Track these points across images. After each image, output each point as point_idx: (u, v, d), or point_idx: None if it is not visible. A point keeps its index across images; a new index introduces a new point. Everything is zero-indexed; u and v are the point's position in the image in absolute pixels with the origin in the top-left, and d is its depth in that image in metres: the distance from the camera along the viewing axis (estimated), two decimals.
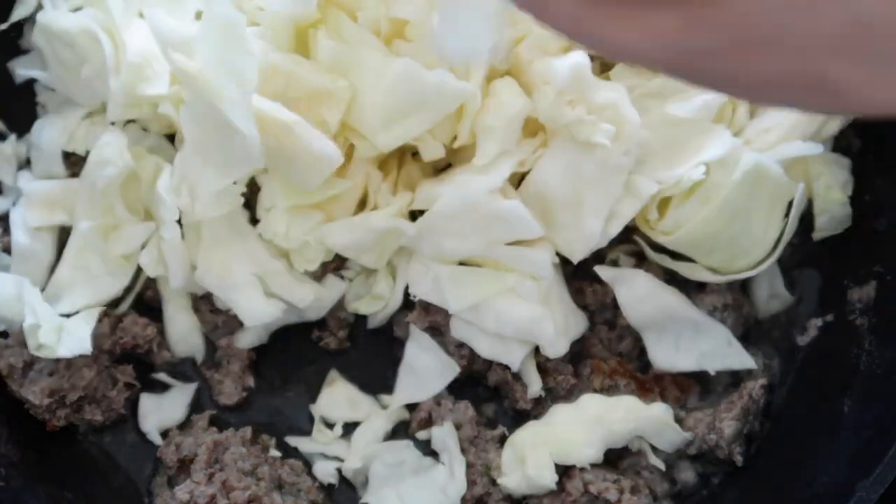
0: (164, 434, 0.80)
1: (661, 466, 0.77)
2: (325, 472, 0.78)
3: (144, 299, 0.81)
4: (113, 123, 0.77)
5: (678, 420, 0.77)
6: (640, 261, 0.78)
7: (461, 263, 0.75)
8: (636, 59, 0.42)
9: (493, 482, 0.76)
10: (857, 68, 0.40)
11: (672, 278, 0.78)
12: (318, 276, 0.78)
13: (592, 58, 0.71)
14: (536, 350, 0.76)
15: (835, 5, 0.39)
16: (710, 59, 0.41)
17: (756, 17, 0.39)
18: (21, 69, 0.84)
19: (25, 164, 0.83)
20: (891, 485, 0.66)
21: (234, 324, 0.79)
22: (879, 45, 0.39)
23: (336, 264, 0.78)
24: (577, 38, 0.43)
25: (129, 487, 0.80)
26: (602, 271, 0.75)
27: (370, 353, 0.81)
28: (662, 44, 0.40)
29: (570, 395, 0.77)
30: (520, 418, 0.78)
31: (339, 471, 0.79)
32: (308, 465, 0.79)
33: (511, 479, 0.74)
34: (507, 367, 0.76)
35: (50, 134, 0.80)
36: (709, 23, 0.40)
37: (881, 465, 0.66)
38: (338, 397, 0.80)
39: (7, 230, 0.81)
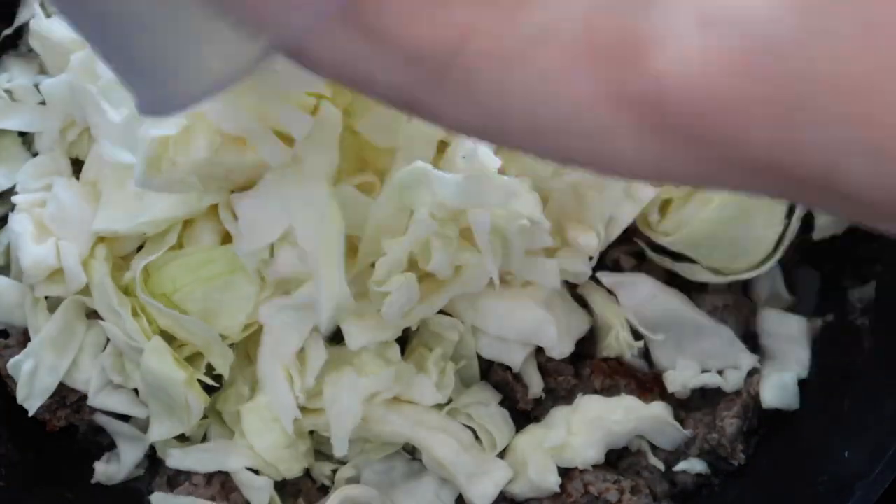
0: None
1: (661, 466, 0.77)
2: (323, 473, 0.78)
3: None
4: None
5: (678, 420, 0.77)
6: (642, 260, 0.78)
7: None
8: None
9: None
10: None
11: (673, 279, 0.78)
12: None
13: None
14: (538, 350, 0.76)
15: None
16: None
17: None
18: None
19: None
20: (891, 485, 0.66)
21: None
22: None
23: None
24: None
25: (129, 488, 0.80)
26: (604, 277, 0.75)
27: None
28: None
29: (570, 396, 0.77)
30: (521, 419, 0.78)
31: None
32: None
33: (514, 484, 0.74)
34: (508, 368, 0.76)
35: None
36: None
37: (881, 465, 0.66)
38: None
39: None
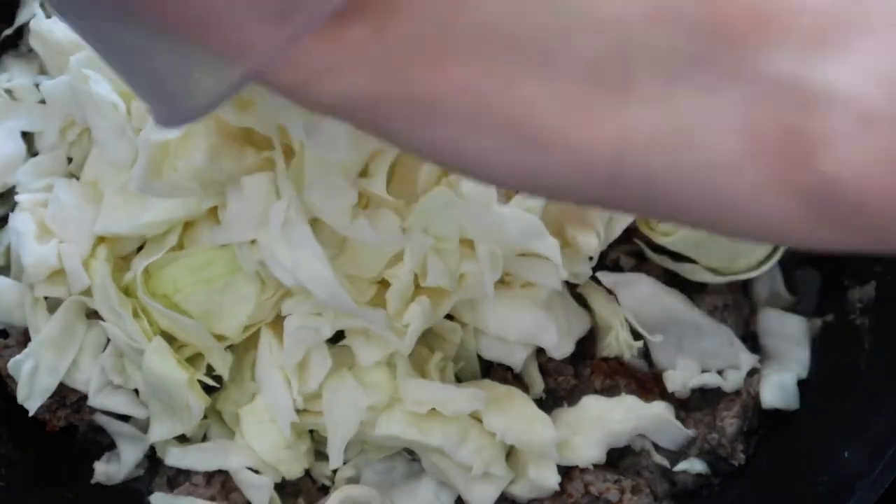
0: None
1: (666, 464, 0.77)
2: (323, 473, 0.78)
3: None
4: None
5: (678, 420, 0.77)
6: (641, 260, 0.78)
7: None
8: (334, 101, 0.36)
9: None
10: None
11: (673, 279, 0.78)
12: None
13: None
14: (537, 350, 0.76)
15: None
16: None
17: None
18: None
19: None
20: (891, 485, 0.66)
21: None
22: None
23: None
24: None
25: (129, 488, 0.80)
26: (604, 277, 0.75)
27: None
28: (356, 59, 0.34)
29: (570, 396, 0.77)
30: None
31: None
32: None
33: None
34: (508, 368, 0.76)
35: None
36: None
37: (881, 465, 0.67)
38: None
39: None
